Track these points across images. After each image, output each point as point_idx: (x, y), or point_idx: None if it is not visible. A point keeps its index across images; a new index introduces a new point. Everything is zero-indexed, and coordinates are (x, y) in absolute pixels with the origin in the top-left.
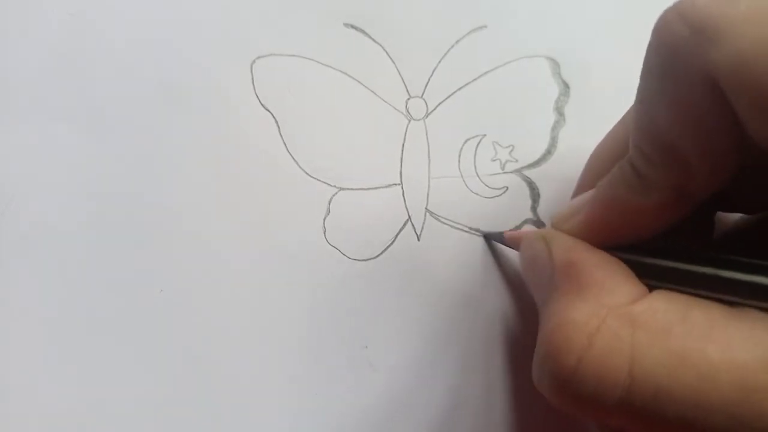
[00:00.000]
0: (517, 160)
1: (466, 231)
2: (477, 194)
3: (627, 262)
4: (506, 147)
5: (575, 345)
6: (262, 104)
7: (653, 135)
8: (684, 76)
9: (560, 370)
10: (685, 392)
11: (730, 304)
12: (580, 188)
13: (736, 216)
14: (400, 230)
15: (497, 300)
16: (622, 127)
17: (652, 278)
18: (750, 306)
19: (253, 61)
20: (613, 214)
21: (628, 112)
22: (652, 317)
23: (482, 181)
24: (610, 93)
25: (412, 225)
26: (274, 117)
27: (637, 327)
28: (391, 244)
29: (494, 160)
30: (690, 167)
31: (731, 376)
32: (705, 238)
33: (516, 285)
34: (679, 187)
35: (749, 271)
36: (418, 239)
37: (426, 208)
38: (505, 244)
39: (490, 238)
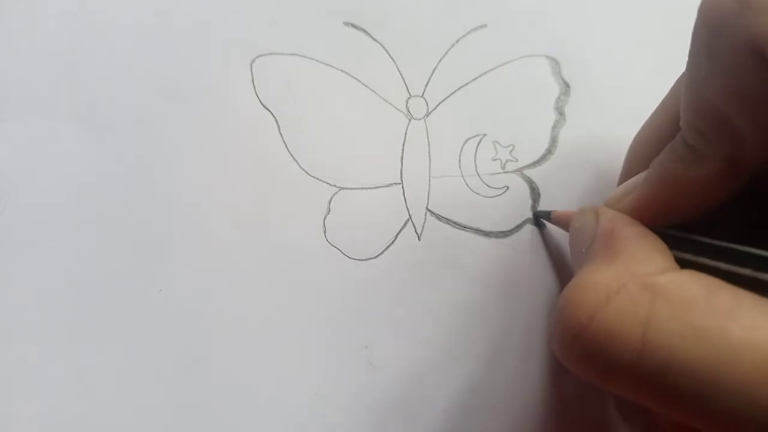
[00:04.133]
0: (517, 160)
1: (466, 230)
2: (477, 193)
3: (669, 237)
4: (507, 146)
5: (591, 302)
6: (262, 103)
7: (704, 109)
8: (731, 48)
9: (572, 324)
10: (700, 367)
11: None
12: (625, 176)
13: None
14: (401, 230)
15: (497, 299)
16: (662, 111)
17: (690, 253)
18: None
19: (253, 60)
20: (666, 190)
21: (664, 99)
22: (676, 289)
23: (483, 181)
24: (610, 92)
25: (413, 224)
26: (274, 116)
27: (658, 296)
28: (392, 243)
29: (495, 160)
30: (742, 138)
31: (753, 357)
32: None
33: (517, 286)
34: (731, 159)
35: None
36: (419, 239)
37: (426, 208)
38: (552, 223)
39: (538, 217)
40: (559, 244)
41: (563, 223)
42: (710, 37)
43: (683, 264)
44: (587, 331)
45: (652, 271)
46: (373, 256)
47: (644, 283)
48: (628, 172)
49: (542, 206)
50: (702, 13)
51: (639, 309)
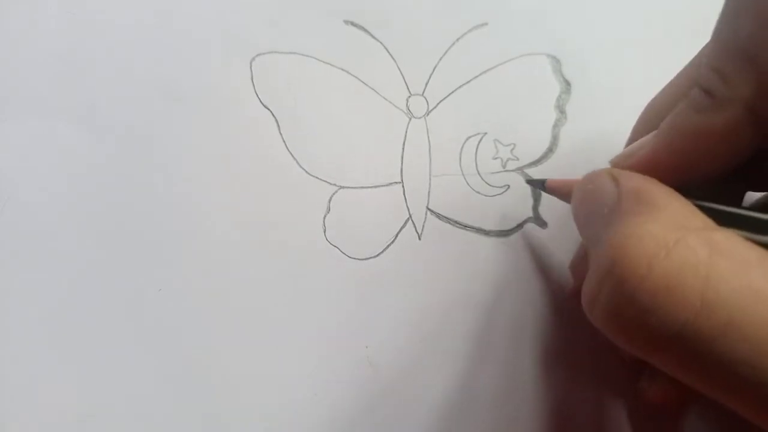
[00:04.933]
0: (518, 159)
1: (467, 229)
2: (478, 192)
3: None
4: (507, 145)
5: (650, 252)
6: (261, 102)
7: (733, 47)
8: None
9: (629, 276)
10: (759, 333)
11: None
12: (634, 137)
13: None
14: (401, 229)
15: (498, 299)
16: (681, 76)
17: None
18: None
19: (253, 59)
20: (682, 142)
21: (684, 68)
22: (733, 247)
23: (483, 180)
24: (611, 91)
25: (413, 223)
26: (273, 115)
27: (717, 252)
28: (392, 242)
29: (495, 158)
30: (766, 80)
31: None
32: None
33: (518, 285)
34: (752, 105)
35: None
36: (419, 238)
37: (427, 207)
38: (547, 192)
39: (532, 185)
40: (561, 244)
41: (560, 192)
42: None
43: None
44: (645, 285)
45: (703, 227)
46: (373, 255)
47: (701, 237)
48: (635, 135)
49: (544, 206)
50: None
51: (700, 263)
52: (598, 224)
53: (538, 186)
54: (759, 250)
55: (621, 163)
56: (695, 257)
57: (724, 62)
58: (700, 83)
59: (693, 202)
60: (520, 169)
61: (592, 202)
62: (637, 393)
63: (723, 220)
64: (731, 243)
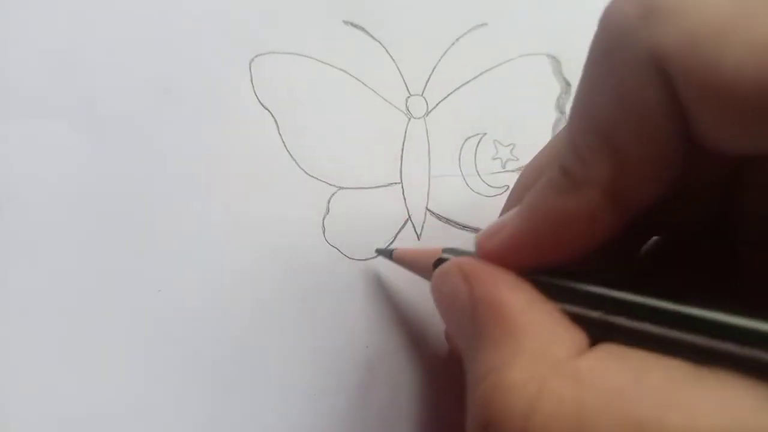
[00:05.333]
0: (518, 159)
1: (466, 230)
2: (478, 193)
3: (560, 289)
4: (507, 145)
5: (517, 413)
6: (260, 103)
7: (589, 124)
8: (629, 58)
9: None
10: None
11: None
12: (508, 207)
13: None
14: (400, 229)
15: None
16: (555, 142)
17: (590, 307)
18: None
19: (252, 60)
20: (541, 224)
21: (557, 135)
22: (601, 377)
23: (483, 180)
24: None
25: (412, 224)
26: (272, 115)
27: (585, 388)
28: (391, 243)
29: (495, 159)
30: (624, 161)
31: None
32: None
33: None
34: (610, 188)
35: (723, 311)
36: (418, 238)
37: (426, 207)
38: (397, 263)
39: (381, 254)
40: None
41: (412, 265)
42: (608, 47)
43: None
44: None
45: (566, 355)
46: (372, 256)
47: (565, 375)
48: (510, 204)
49: None
50: (602, 21)
51: (569, 411)
52: (462, 333)
53: (386, 255)
54: (638, 365)
55: (483, 245)
56: (564, 406)
57: (580, 140)
58: (559, 161)
59: (529, 278)
60: (520, 170)
61: (452, 309)
62: None
63: (593, 303)
64: (600, 371)
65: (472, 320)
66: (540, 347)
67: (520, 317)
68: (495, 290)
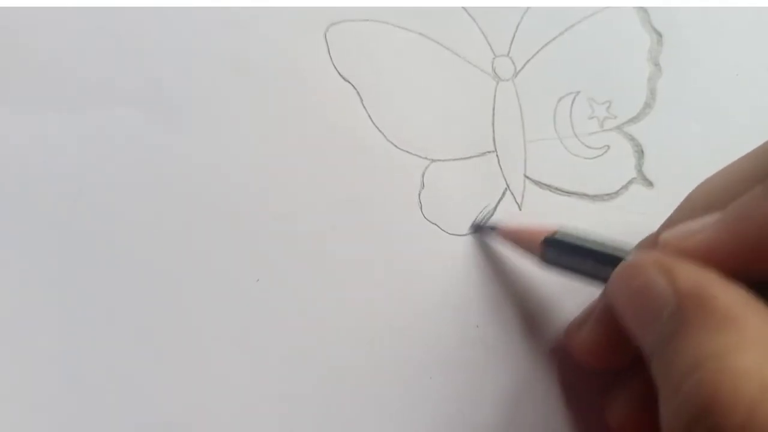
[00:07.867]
0: (615, 117)
1: (569, 195)
2: (577, 156)
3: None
4: (603, 103)
5: (745, 398)
6: (341, 75)
7: None
8: None
9: (725, 427)
10: None
11: None
12: (679, 218)
13: None
14: (500, 200)
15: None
16: (747, 162)
17: None
18: None
19: (327, 29)
20: (754, 230)
21: (747, 155)
22: None
23: (581, 141)
24: (704, 38)
25: (512, 193)
26: (355, 88)
27: None
28: (491, 215)
29: (591, 118)
30: None
31: None
32: None
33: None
34: None
35: None
36: (520, 208)
37: (524, 175)
38: (501, 240)
39: (477, 231)
40: (670, 203)
41: (518, 242)
42: None
43: None
44: None
45: None
46: (471, 231)
47: None
48: (687, 214)
49: (648, 165)
50: None
51: None
52: (656, 331)
53: (487, 233)
54: None
55: (675, 244)
56: None
57: None
58: None
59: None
60: (619, 128)
61: (644, 304)
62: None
63: None
64: None
65: (672, 312)
66: (763, 338)
67: (736, 309)
68: (702, 281)
